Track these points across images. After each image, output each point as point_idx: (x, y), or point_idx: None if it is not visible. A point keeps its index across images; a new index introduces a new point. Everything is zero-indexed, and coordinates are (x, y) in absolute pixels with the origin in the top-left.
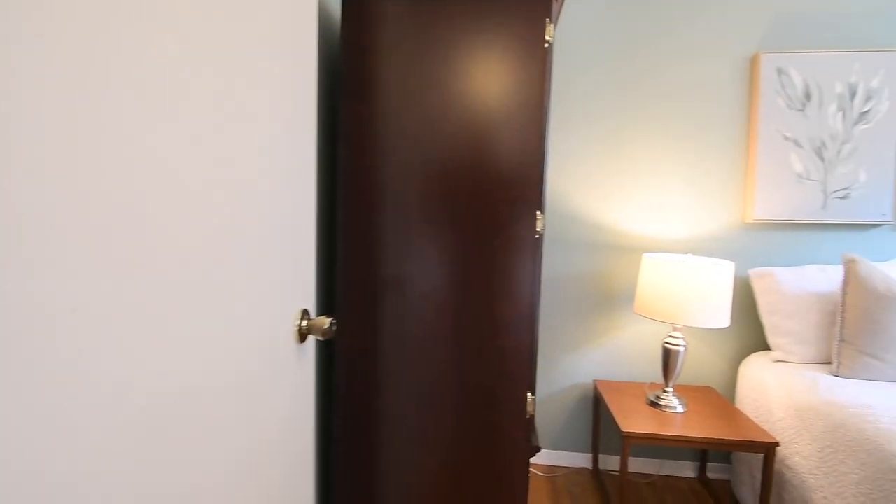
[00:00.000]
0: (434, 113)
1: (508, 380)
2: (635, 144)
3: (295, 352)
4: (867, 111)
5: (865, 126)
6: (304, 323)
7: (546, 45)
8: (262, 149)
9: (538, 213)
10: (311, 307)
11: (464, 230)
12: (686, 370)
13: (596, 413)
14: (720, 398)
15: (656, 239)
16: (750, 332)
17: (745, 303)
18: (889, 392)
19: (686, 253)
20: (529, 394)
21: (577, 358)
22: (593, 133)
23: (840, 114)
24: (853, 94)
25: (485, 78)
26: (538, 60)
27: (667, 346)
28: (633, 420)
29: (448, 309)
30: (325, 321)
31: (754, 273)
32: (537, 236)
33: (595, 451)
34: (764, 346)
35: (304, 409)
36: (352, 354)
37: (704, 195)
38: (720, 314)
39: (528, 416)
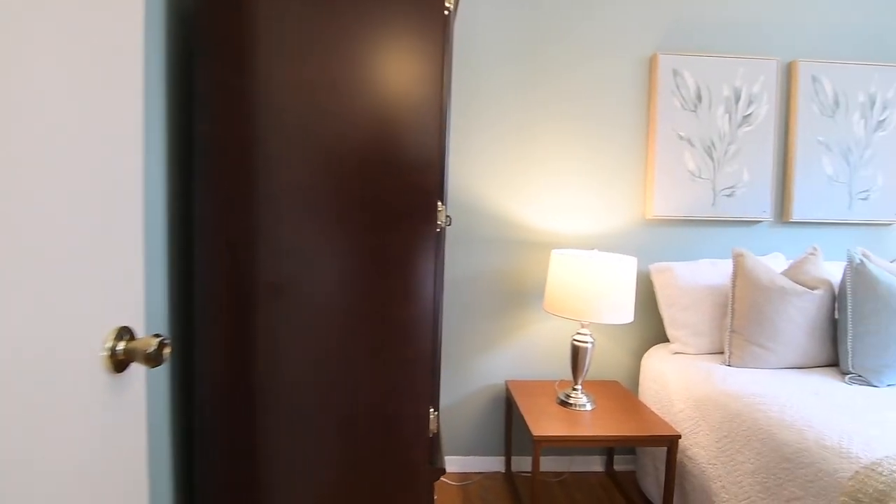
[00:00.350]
0: (318, 82)
1: (407, 396)
2: (541, 142)
3: (106, 386)
4: (749, 114)
5: (748, 128)
6: (122, 346)
7: (446, 13)
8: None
9: (439, 203)
10: (138, 324)
11: (354, 223)
12: (593, 365)
13: (508, 414)
14: (626, 392)
15: (565, 235)
16: (651, 326)
17: (646, 297)
18: (774, 380)
19: (593, 249)
20: (432, 409)
21: (489, 358)
22: (500, 131)
23: (727, 116)
24: (738, 98)
25: (379, 45)
26: (437, 29)
27: (575, 343)
28: (544, 422)
29: (336, 318)
30: (151, 342)
31: (654, 268)
32: (438, 230)
33: (508, 454)
34: (664, 339)
35: (127, 464)
36: (216, 380)
37: (609, 192)
38: (624, 310)
39: (430, 436)
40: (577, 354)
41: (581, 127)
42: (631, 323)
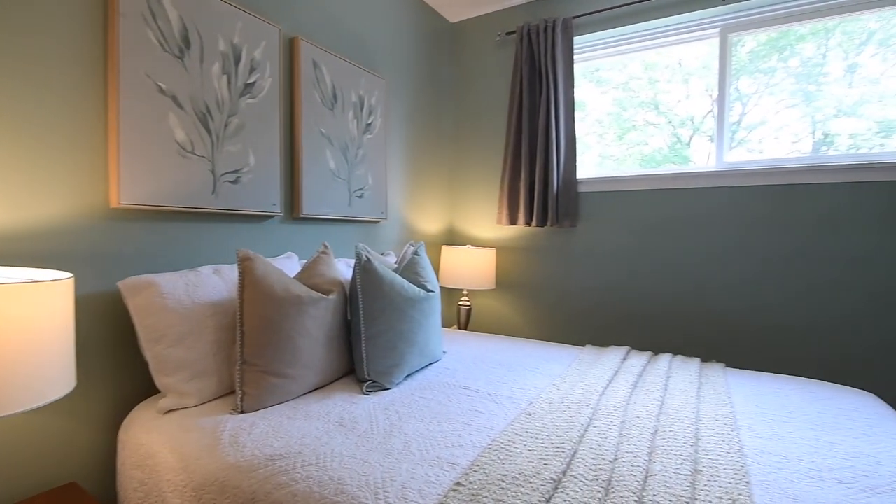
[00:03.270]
0: None
1: None
2: None
3: None
4: (253, 83)
5: (251, 100)
6: None
7: None
8: None
9: None
10: None
11: None
12: (30, 465)
13: None
14: (86, 500)
15: None
16: (132, 378)
17: (118, 332)
18: (297, 419)
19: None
20: None
21: None
22: None
23: (225, 77)
24: (238, 59)
25: None
26: None
27: None
28: None
29: None
30: None
31: (127, 285)
32: None
33: None
34: (155, 391)
35: None
36: None
37: (35, 165)
38: (43, 379)
39: None
40: None
41: None
42: (79, 386)
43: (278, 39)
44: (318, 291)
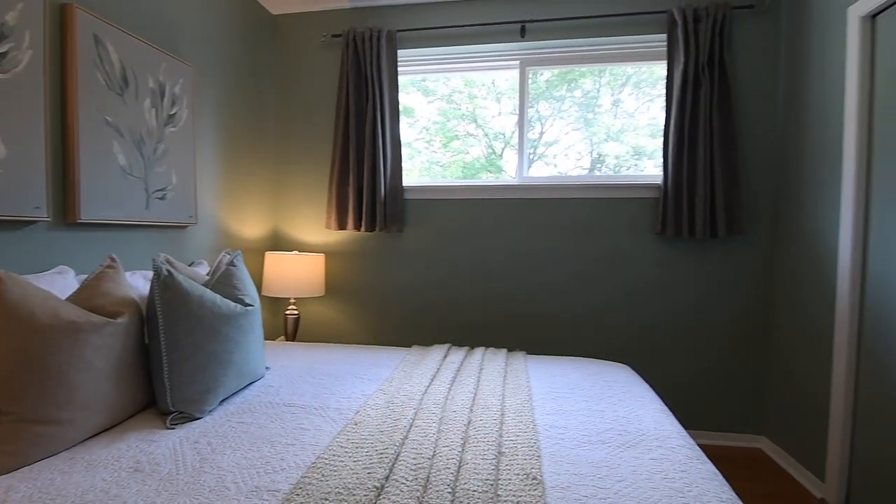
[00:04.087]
0: None
1: None
2: None
3: None
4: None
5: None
6: None
7: None
8: None
9: None
10: None
11: None
12: None
13: None
14: None
15: None
16: None
17: None
18: (76, 475)
19: None
20: None
21: None
22: None
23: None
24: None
25: None
26: None
27: None
28: None
29: None
30: None
31: None
32: None
33: None
34: None
35: None
36: None
37: None
38: None
39: None
40: None
41: None
42: None
43: (42, 3)
44: (102, 314)
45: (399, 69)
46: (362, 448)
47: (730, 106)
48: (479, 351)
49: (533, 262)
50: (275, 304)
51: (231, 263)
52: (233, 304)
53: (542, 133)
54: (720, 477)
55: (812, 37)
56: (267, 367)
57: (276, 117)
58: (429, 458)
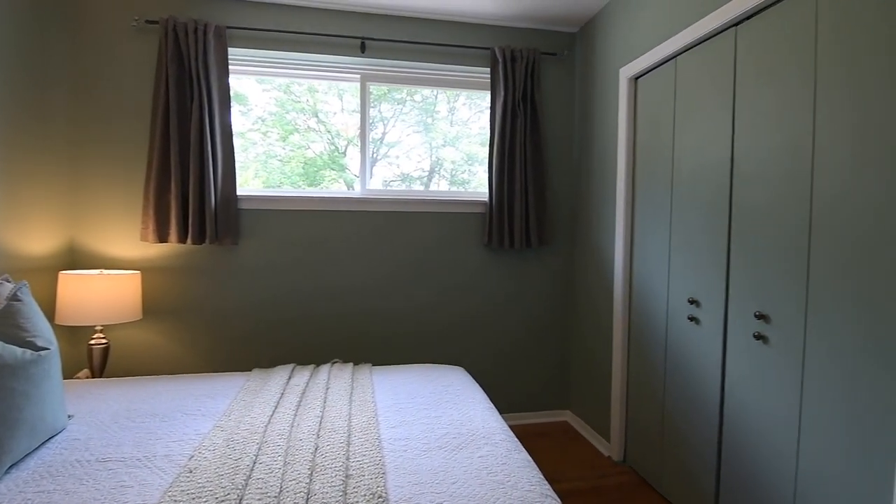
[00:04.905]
0: None
1: None
2: None
3: None
4: None
5: None
6: None
7: None
8: None
9: None
10: None
11: None
12: None
13: None
14: None
15: None
16: None
17: None
18: None
19: None
20: None
21: None
22: None
23: None
24: None
25: None
26: None
27: None
28: None
29: None
30: None
31: None
32: None
33: None
34: None
35: None
36: None
37: None
38: None
39: None
40: None
41: None
42: None
43: None
44: None
45: (231, 68)
46: (200, 498)
47: (539, 138)
48: (324, 368)
49: (375, 273)
50: (73, 333)
51: (14, 297)
52: (19, 350)
53: (384, 133)
54: (532, 463)
55: (595, 90)
56: (70, 416)
57: (72, 111)
58: (275, 497)
